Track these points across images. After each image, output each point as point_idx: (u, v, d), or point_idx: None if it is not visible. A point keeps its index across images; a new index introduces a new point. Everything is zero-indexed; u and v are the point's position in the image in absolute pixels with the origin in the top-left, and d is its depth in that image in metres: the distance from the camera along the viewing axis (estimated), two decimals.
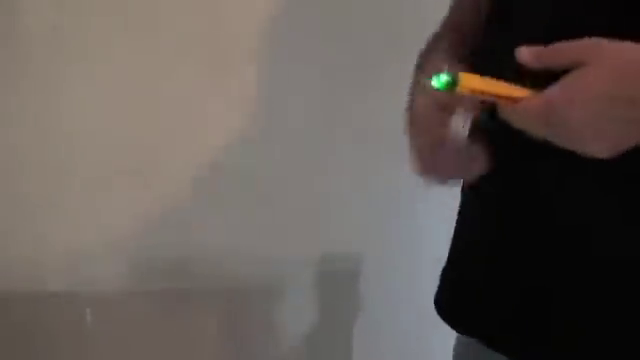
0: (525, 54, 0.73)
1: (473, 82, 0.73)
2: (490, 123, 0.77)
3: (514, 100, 0.74)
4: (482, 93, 0.74)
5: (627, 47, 0.71)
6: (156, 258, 1.61)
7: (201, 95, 1.56)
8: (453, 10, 0.97)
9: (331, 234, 1.66)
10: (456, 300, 0.96)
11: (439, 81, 0.73)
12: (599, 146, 0.72)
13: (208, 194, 1.60)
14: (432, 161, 0.83)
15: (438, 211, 1.64)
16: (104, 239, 1.59)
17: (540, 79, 0.73)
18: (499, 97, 0.74)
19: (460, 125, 0.78)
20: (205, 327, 1.66)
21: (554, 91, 0.72)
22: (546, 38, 0.74)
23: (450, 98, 0.77)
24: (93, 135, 1.55)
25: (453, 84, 0.72)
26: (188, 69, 1.54)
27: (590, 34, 0.72)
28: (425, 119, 0.82)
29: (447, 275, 1.00)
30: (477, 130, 0.79)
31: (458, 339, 0.99)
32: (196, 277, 1.64)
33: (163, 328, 1.64)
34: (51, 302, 1.58)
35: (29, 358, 1.59)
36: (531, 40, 0.75)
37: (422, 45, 0.99)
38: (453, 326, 0.96)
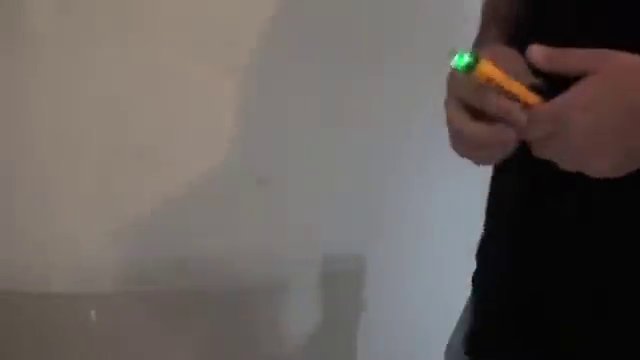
0: (536, 53, 0.72)
1: (491, 71, 0.72)
2: None
3: (524, 104, 0.73)
4: (497, 86, 0.72)
5: (637, 58, 0.70)
6: (159, 259, 1.61)
7: (201, 94, 1.56)
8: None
9: (333, 235, 1.66)
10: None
11: (461, 59, 0.71)
12: (601, 161, 0.71)
13: (210, 195, 1.60)
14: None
15: (441, 212, 1.65)
16: (106, 239, 1.59)
17: (553, 84, 0.73)
18: (512, 95, 0.73)
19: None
20: (207, 327, 1.66)
21: (559, 98, 0.71)
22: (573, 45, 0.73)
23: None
24: (93, 135, 1.55)
25: (472, 67, 0.71)
26: (188, 69, 1.55)
27: (613, 42, 0.72)
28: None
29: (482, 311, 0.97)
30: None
31: (449, 346, 0.98)
32: (198, 278, 1.64)
33: (166, 328, 1.64)
34: (56, 303, 1.59)
35: (34, 358, 1.59)
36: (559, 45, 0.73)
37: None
38: None
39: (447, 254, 1.61)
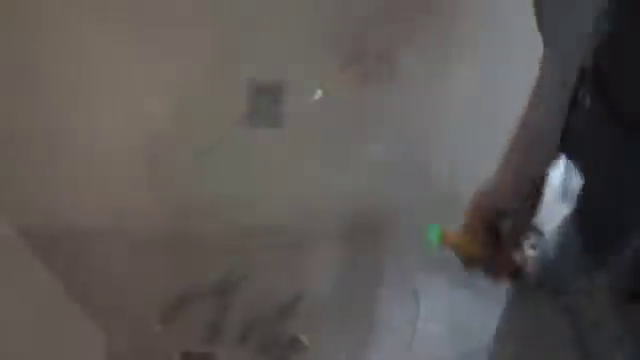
0: None
1: (451, 241, 0.95)
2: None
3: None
4: (458, 249, 0.94)
5: None
6: (186, 204, 1.64)
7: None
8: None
9: (357, 190, 1.67)
10: None
11: (430, 234, 0.95)
12: None
13: (242, 147, 1.62)
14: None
15: (466, 169, 1.65)
16: (134, 181, 1.62)
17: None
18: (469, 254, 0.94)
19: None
20: (231, 277, 1.68)
21: None
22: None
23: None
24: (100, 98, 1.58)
25: (440, 239, 0.95)
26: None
27: None
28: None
29: None
30: None
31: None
32: (218, 224, 1.65)
33: (180, 273, 1.66)
34: (87, 238, 1.61)
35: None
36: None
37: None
38: None
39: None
